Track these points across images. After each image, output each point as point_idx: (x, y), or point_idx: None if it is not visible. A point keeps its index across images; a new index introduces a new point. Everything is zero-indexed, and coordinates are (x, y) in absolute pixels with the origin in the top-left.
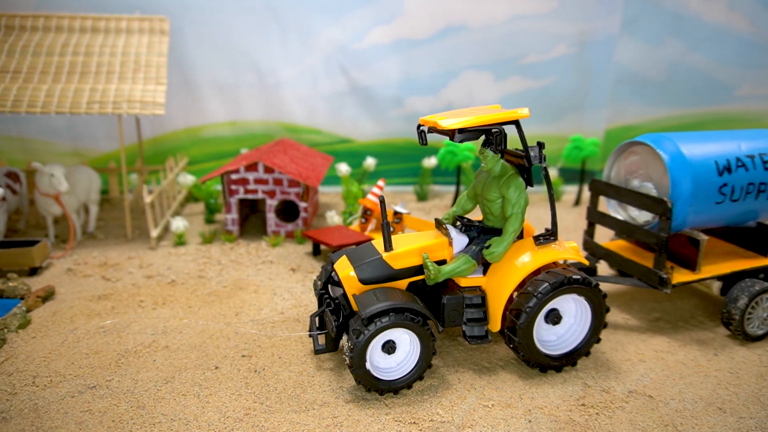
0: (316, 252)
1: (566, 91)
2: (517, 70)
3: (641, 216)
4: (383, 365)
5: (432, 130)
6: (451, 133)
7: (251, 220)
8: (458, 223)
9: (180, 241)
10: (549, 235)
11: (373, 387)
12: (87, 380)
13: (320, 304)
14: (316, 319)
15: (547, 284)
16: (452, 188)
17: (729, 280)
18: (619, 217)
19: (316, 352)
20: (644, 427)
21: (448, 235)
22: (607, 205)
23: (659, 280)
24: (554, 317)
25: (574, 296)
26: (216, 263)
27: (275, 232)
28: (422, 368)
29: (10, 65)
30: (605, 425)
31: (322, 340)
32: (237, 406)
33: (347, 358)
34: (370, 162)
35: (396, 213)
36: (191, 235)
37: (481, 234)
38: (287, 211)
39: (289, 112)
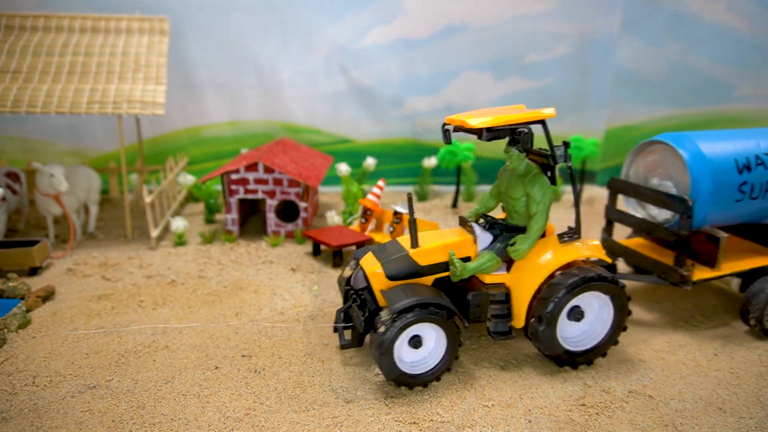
0: (316, 252)
1: (566, 91)
2: (517, 70)
3: (661, 214)
4: (409, 359)
5: (458, 129)
6: (479, 132)
7: (251, 220)
8: (481, 220)
9: (180, 241)
10: (572, 233)
11: (402, 382)
12: (87, 380)
13: (345, 300)
14: (342, 314)
15: (563, 287)
16: (452, 188)
17: (748, 277)
18: (638, 216)
19: (342, 347)
20: (644, 427)
21: (472, 232)
22: (626, 203)
23: (680, 277)
24: (577, 314)
25: (596, 293)
26: (216, 263)
27: (275, 232)
28: (449, 361)
29: (10, 65)
30: (605, 425)
31: (347, 335)
32: (237, 406)
33: (375, 355)
34: (370, 162)
35: (396, 213)
36: (191, 235)
37: (504, 232)
38: (287, 211)
39: (289, 112)
